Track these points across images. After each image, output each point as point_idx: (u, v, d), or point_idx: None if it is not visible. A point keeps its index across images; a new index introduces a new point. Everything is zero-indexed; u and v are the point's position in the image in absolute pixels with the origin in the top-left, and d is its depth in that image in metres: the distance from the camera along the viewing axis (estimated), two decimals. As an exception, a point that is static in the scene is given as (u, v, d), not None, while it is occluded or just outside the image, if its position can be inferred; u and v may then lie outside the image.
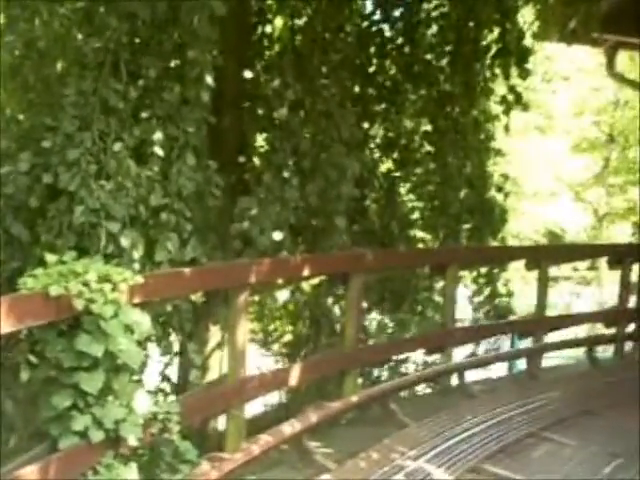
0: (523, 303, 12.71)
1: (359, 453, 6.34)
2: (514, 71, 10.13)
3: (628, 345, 10.95)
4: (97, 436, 4.57)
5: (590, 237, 25.94)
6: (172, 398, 5.99)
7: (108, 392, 4.66)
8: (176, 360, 7.62)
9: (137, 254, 6.64)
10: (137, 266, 6.50)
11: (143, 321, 4.83)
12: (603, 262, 21.23)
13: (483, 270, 10.47)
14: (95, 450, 4.64)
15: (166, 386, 7.11)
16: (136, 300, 4.94)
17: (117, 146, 6.80)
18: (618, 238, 25.62)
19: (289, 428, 6.28)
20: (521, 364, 10.49)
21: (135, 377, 4.92)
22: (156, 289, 5.49)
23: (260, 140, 9.11)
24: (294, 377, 6.97)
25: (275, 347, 10.29)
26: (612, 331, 10.78)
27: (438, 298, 10.00)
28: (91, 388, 4.55)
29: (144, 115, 7.07)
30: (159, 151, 6.98)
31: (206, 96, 7.23)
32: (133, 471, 4.83)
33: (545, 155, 22.42)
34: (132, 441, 4.75)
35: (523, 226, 21.83)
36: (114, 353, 4.61)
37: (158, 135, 7.00)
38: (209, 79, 7.24)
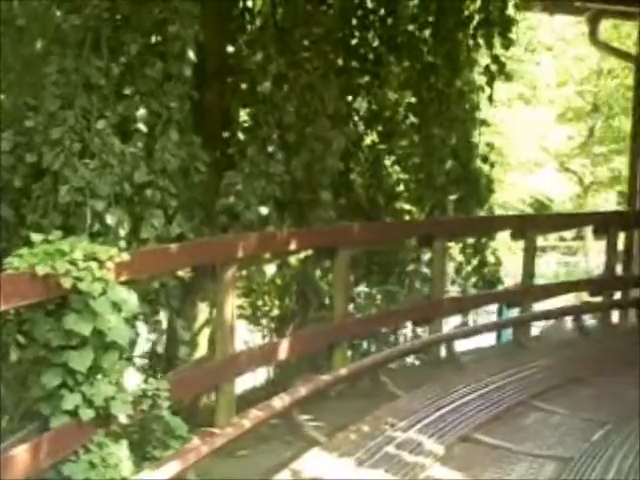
0: (511, 273, 12.75)
1: (350, 425, 6.35)
2: (497, 41, 10.08)
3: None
4: (87, 414, 4.58)
5: (576, 206, 26.00)
6: (161, 375, 5.99)
7: (97, 370, 4.67)
8: (165, 337, 7.63)
9: (123, 232, 6.64)
10: (123, 244, 6.49)
11: (130, 299, 4.83)
12: (589, 231, 21.37)
13: (470, 241, 10.46)
14: (86, 428, 4.65)
15: (155, 363, 7.12)
16: (123, 278, 4.93)
17: (100, 124, 6.77)
18: (604, 207, 25.71)
19: (279, 402, 6.29)
20: (510, 333, 10.52)
21: (124, 355, 4.92)
22: (143, 266, 5.49)
23: (244, 115, 9.06)
24: (283, 351, 6.98)
25: (263, 322, 10.27)
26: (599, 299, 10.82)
27: (426, 270, 10.02)
28: (80, 366, 4.56)
29: (127, 92, 7.05)
30: (143, 127, 6.96)
31: (188, 71, 7.19)
32: (124, 448, 4.85)
33: (530, 125, 22.38)
34: (122, 418, 4.77)
35: (509, 196, 21.86)
36: (102, 331, 4.61)
37: (141, 111, 6.98)
38: (191, 54, 7.21)
